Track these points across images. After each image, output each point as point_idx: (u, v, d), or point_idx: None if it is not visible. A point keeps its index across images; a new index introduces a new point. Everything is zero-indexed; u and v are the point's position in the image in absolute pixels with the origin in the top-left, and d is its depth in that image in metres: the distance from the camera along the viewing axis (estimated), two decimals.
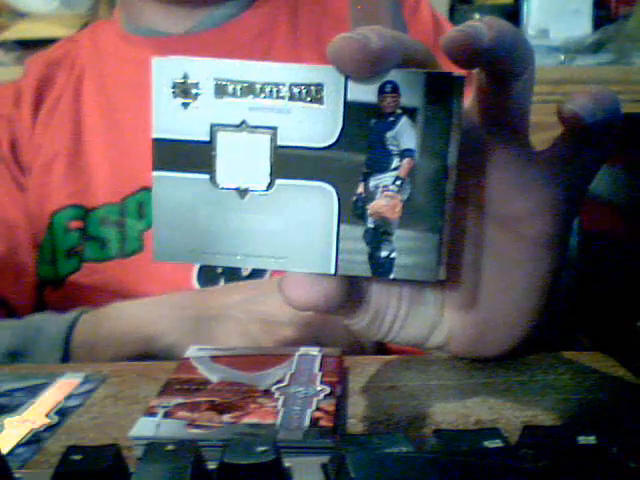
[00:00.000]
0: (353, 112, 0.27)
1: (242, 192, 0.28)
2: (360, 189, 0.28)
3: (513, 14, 1.41)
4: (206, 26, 0.66)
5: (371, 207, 0.28)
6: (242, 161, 0.28)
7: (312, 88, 0.27)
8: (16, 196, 0.65)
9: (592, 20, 1.35)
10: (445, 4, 1.37)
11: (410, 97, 0.27)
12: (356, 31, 0.27)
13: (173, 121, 0.28)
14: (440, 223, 0.28)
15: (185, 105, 0.28)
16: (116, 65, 0.66)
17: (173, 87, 0.28)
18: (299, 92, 0.27)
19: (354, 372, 0.39)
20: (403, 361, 0.41)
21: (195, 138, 0.28)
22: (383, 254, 0.29)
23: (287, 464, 0.26)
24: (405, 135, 0.28)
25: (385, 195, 0.28)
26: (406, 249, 0.29)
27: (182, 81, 0.28)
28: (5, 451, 0.31)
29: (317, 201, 0.28)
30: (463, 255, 0.35)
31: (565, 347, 0.43)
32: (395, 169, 0.28)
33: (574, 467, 0.23)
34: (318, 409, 0.32)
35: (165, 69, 0.28)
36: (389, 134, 0.28)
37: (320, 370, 0.37)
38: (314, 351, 0.40)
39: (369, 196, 0.28)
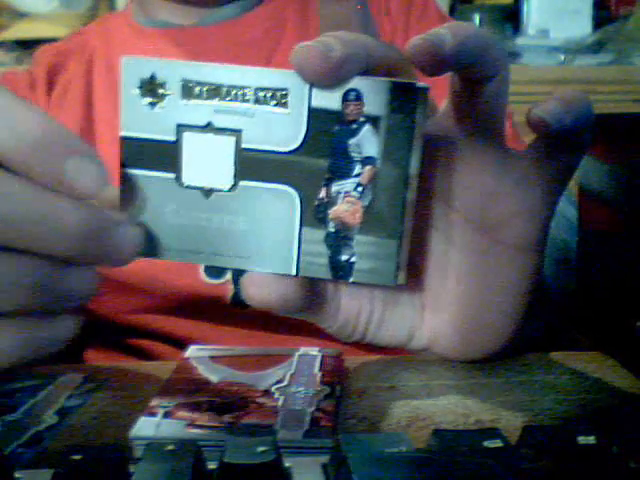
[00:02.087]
0: (317, 118, 0.28)
1: (207, 192, 0.29)
2: (322, 194, 0.29)
3: (513, 14, 1.41)
4: (217, 19, 0.66)
5: (332, 212, 0.29)
6: (207, 162, 0.29)
7: (277, 93, 0.28)
8: None
9: (592, 20, 1.35)
10: (445, 4, 1.37)
11: (374, 105, 0.28)
12: (319, 38, 0.27)
13: (140, 120, 0.28)
14: (399, 230, 0.29)
15: (152, 105, 0.28)
16: (125, 55, 0.66)
17: (140, 86, 0.28)
18: (264, 96, 0.28)
19: (354, 372, 0.39)
20: (403, 361, 0.41)
21: (161, 137, 0.28)
22: (343, 258, 0.29)
23: (287, 464, 0.26)
24: (367, 143, 0.28)
25: (347, 201, 0.29)
26: (365, 254, 0.29)
27: (149, 81, 0.28)
28: (5, 451, 0.31)
29: (280, 204, 0.29)
30: (442, 259, 0.35)
31: (565, 347, 0.43)
32: (357, 176, 0.29)
33: (574, 467, 0.23)
34: (318, 409, 0.32)
35: (133, 68, 0.28)
36: (352, 141, 0.28)
37: (320, 370, 0.37)
38: (314, 351, 0.40)
39: (331, 201, 0.29)
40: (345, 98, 0.28)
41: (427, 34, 0.28)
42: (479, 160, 0.32)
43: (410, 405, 0.35)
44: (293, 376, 0.36)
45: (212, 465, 0.25)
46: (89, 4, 1.29)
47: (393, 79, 0.28)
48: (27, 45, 1.19)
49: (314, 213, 0.29)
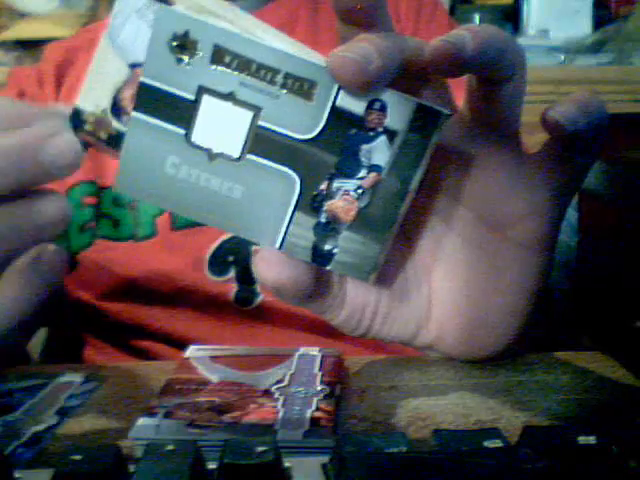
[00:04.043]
0: (337, 117, 0.28)
1: (212, 155, 0.29)
2: (323, 186, 0.30)
3: (513, 14, 1.41)
4: None
5: (328, 204, 0.30)
6: (220, 128, 0.29)
7: (305, 84, 0.28)
8: None
9: (592, 20, 1.35)
10: (445, 4, 1.37)
11: (395, 120, 0.28)
12: (356, 44, 0.27)
13: (163, 72, 0.28)
14: (386, 237, 0.30)
15: (179, 61, 0.28)
16: None
17: (172, 40, 0.28)
18: (292, 83, 0.28)
19: (354, 372, 0.39)
20: (403, 361, 0.41)
21: (180, 94, 0.29)
22: (326, 247, 0.31)
23: (287, 464, 0.26)
24: (379, 152, 0.29)
25: (344, 198, 0.30)
26: (348, 249, 0.31)
27: (182, 37, 0.28)
28: (5, 451, 0.31)
29: (281, 185, 0.30)
30: (452, 257, 0.35)
31: (565, 347, 0.43)
32: (360, 179, 0.30)
33: (574, 467, 0.23)
34: (318, 409, 0.32)
35: (169, 20, 0.28)
36: (364, 147, 0.29)
37: (320, 370, 0.37)
38: (314, 351, 0.40)
39: (329, 194, 0.30)
40: (370, 106, 0.28)
41: (447, 36, 0.28)
42: (494, 160, 0.33)
43: (410, 405, 0.35)
44: (293, 376, 0.36)
45: (212, 465, 0.25)
46: (89, 4, 1.29)
47: (421, 100, 0.28)
48: (27, 45, 1.19)
49: (311, 201, 0.30)
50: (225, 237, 0.59)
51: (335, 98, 0.28)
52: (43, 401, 0.36)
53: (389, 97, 0.28)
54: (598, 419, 0.33)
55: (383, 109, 0.28)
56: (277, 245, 0.30)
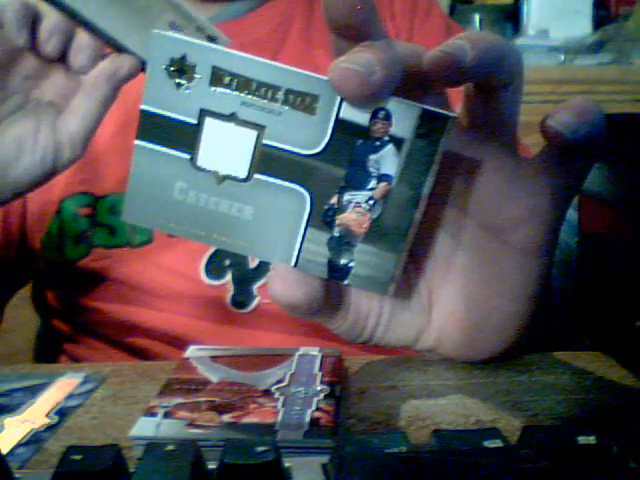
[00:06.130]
0: (342, 129, 0.28)
1: (219, 178, 0.29)
2: (334, 200, 0.29)
3: (513, 14, 1.41)
4: (222, 19, 0.66)
5: (340, 218, 0.29)
6: (225, 149, 0.29)
7: (307, 98, 0.28)
8: None
9: (592, 20, 1.35)
10: (445, 4, 1.37)
11: (400, 127, 0.28)
12: (358, 55, 0.27)
13: (164, 97, 0.28)
14: (402, 246, 0.30)
15: (178, 85, 0.28)
16: None
17: (169, 65, 0.28)
18: (293, 99, 0.28)
19: (354, 372, 0.39)
20: (403, 361, 0.41)
21: (182, 118, 0.28)
22: (342, 262, 0.30)
23: (287, 464, 0.26)
24: (387, 161, 0.29)
25: (356, 211, 0.29)
26: (364, 262, 0.30)
27: (180, 62, 0.28)
28: (5, 451, 0.31)
29: (290, 202, 0.29)
30: (451, 262, 0.35)
31: (565, 347, 0.43)
32: (371, 189, 0.29)
33: (574, 467, 0.23)
34: (318, 409, 0.32)
35: (165, 44, 0.28)
36: (372, 157, 0.29)
37: (320, 370, 0.37)
38: (314, 351, 0.40)
39: (341, 208, 0.29)
40: (374, 115, 0.28)
41: (446, 46, 0.27)
42: (492, 165, 0.32)
43: (410, 405, 0.35)
44: (293, 376, 0.36)
45: (212, 465, 0.25)
46: None
47: (424, 105, 0.28)
48: None
49: (322, 216, 0.29)
50: None
51: (339, 110, 0.28)
52: (43, 401, 0.36)
53: (393, 105, 0.28)
54: (598, 419, 0.33)
55: (388, 118, 0.28)
56: (292, 263, 0.30)
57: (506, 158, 0.33)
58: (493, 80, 0.29)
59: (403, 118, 0.28)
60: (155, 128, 0.29)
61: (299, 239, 0.30)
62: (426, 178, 0.29)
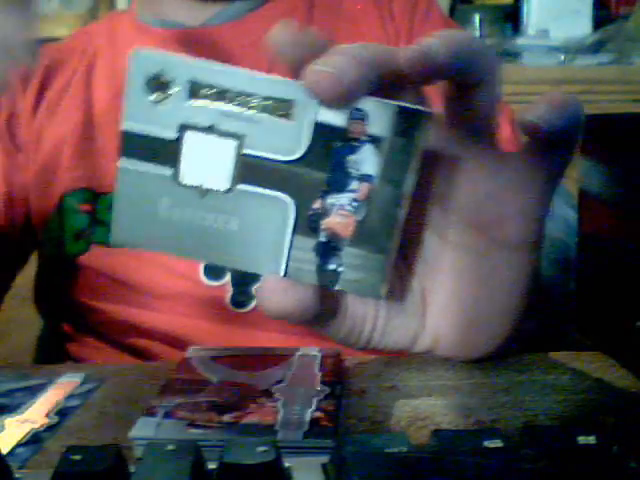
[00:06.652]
0: (320, 132, 0.28)
1: (203, 191, 0.29)
2: (317, 205, 0.29)
3: (513, 14, 1.41)
4: (223, 19, 0.66)
5: (325, 223, 0.29)
6: (206, 162, 0.29)
7: (283, 104, 0.28)
8: (6, 167, 0.65)
9: (592, 20, 1.35)
10: (445, 4, 1.37)
11: (377, 126, 0.28)
12: (331, 58, 0.27)
13: (143, 115, 0.28)
14: (389, 245, 0.30)
15: (157, 101, 0.28)
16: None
17: (147, 82, 0.28)
18: (270, 106, 0.28)
19: (354, 372, 0.39)
20: (403, 361, 0.41)
21: (163, 135, 0.28)
22: (331, 267, 0.30)
23: (287, 464, 0.26)
24: (367, 161, 0.29)
25: (340, 214, 0.29)
26: (353, 265, 0.30)
27: (157, 77, 0.28)
28: (5, 451, 0.31)
29: (275, 210, 0.29)
30: (441, 262, 0.35)
31: (565, 347, 0.43)
32: (353, 191, 0.29)
33: (574, 467, 0.23)
34: (318, 409, 0.32)
35: (141, 62, 0.28)
36: (352, 158, 0.29)
37: (320, 370, 0.37)
38: (314, 351, 0.40)
39: (325, 212, 0.29)
40: (351, 116, 0.28)
41: (418, 45, 0.28)
42: (473, 162, 0.33)
43: (410, 405, 0.35)
44: (293, 376, 0.36)
45: (212, 465, 0.25)
46: (89, 4, 1.29)
47: (400, 103, 0.28)
48: None
49: (307, 222, 0.29)
50: None
51: (315, 114, 0.28)
52: (43, 401, 0.36)
53: (369, 105, 0.28)
54: (598, 419, 0.33)
55: (364, 118, 0.28)
56: (282, 272, 0.30)
57: (487, 154, 0.33)
58: (466, 77, 0.30)
59: (380, 117, 0.28)
60: (137, 146, 0.29)
61: (286, 247, 0.29)
62: (407, 175, 0.29)
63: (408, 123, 0.28)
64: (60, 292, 0.65)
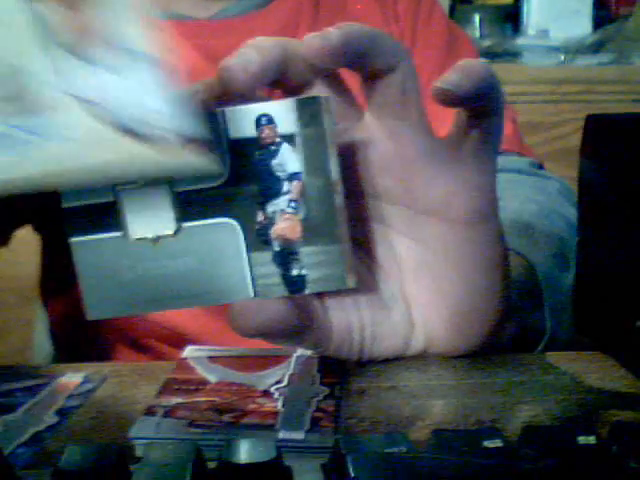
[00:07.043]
0: (237, 148, 0.29)
1: (154, 240, 0.30)
2: (260, 217, 0.30)
3: (513, 14, 1.41)
4: (232, 13, 0.66)
5: (273, 231, 0.30)
6: (148, 213, 0.30)
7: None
8: None
9: (592, 20, 1.35)
10: (445, 4, 1.37)
11: (285, 124, 0.29)
12: (241, 50, 0.30)
13: (79, 190, 0.29)
14: (338, 232, 0.30)
15: None
16: None
17: None
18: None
19: (354, 372, 0.39)
20: (403, 361, 0.41)
21: (100, 201, 0.29)
22: (294, 273, 0.30)
23: (287, 464, 0.26)
24: (289, 160, 0.30)
25: (284, 218, 0.30)
26: (314, 264, 0.30)
27: None
28: (5, 451, 0.31)
29: (224, 236, 0.30)
30: (411, 258, 0.35)
31: (565, 347, 0.43)
32: (287, 193, 0.30)
33: (574, 467, 0.23)
34: (318, 409, 0.32)
35: None
36: (274, 162, 0.30)
37: (319, 371, 0.37)
38: None
39: (270, 222, 0.30)
40: (258, 124, 0.29)
41: (318, 32, 0.30)
42: (407, 151, 0.34)
43: (410, 405, 0.35)
44: (292, 376, 0.36)
45: (212, 465, 0.25)
46: None
47: (297, 97, 0.30)
48: None
49: (257, 237, 0.30)
50: None
51: (227, 133, 0.29)
52: (43, 401, 0.36)
53: (269, 108, 0.29)
54: (598, 419, 0.33)
55: (270, 121, 0.29)
56: (251, 294, 0.30)
57: (419, 139, 0.34)
58: (368, 65, 0.32)
59: (283, 115, 0.29)
60: (81, 220, 0.29)
61: (247, 268, 0.30)
62: (328, 161, 0.30)
63: (310, 112, 0.29)
64: (64, 292, 0.65)
